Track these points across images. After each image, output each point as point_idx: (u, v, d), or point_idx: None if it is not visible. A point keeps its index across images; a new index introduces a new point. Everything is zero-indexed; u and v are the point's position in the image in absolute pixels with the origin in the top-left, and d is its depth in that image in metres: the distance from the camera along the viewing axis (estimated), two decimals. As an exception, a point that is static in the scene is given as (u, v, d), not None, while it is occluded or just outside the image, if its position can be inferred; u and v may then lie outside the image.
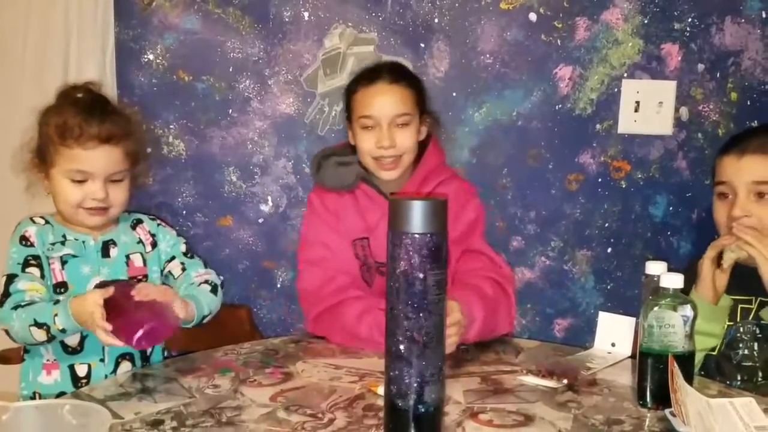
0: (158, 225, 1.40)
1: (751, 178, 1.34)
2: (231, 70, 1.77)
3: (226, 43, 1.77)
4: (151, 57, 1.78)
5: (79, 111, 1.25)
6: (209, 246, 1.83)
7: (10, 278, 1.22)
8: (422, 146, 1.48)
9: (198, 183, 1.81)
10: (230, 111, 1.79)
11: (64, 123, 1.23)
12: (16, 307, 1.18)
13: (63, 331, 1.15)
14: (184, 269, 1.36)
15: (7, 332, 1.20)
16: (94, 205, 1.25)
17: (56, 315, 1.14)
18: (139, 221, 1.38)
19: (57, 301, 1.17)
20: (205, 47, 1.77)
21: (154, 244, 1.37)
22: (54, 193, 1.27)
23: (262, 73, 1.78)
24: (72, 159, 1.23)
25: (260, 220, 1.82)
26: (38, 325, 1.15)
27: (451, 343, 1.20)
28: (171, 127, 1.79)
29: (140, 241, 1.36)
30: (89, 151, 1.23)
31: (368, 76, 1.44)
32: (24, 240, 1.25)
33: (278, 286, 1.84)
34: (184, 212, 1.82)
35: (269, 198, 1.81)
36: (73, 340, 1.26)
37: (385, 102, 1.41)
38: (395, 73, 1.44)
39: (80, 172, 1.24)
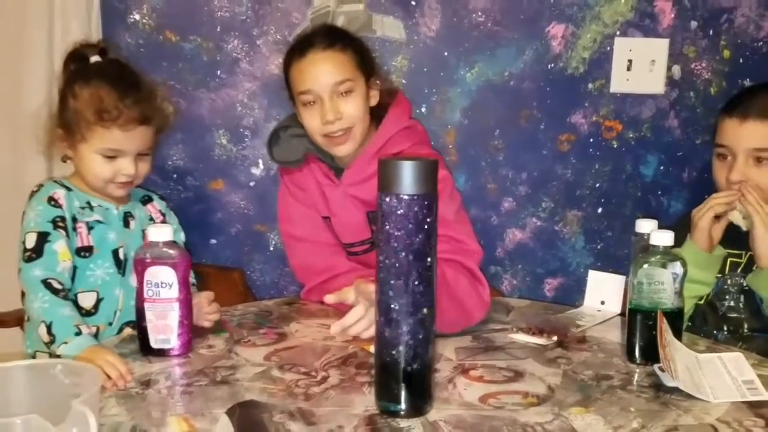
0: (167, 206, 1.42)
1: (751, 144, 1.33)
2: (218, 29, 1.74)
3: (212, 1, 1.73)
4: (137, 17, 1.74)
5: (113, 87, 1.23)
6: (201, 209, 1.82)
7: (43, 235, 1.18)
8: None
9: (188, 146, 1.79)
10: (218, 72, 1.76)
11: (101, 101, 1.21)
12: (46, 284, 1.13)
13: (58, 356, 1.06)
14: None
15: (23, 294, 1.17)
16: (124, 179, 1.26)
17: (66, 343, 1.06)
18: (150, 198, 1.40)
19: (79, 332, 1.07)
20: (192, 6, 1.73)
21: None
22: (82, 166, 1.26)
23: (250, 32, 1.74)
24: (108, 139, 1.23)
25: (251, 183, 1.81)
26: (49, 331, 1.09)
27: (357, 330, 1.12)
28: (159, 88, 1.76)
29: (151, 219, 1.37)
30: (127, 132, 1.23)
31: (299, 47, 1.32)
32: (52, 201, 1.23)
33: (271, 248, 1.84)
34: (175, 176, 1.80)
35: (260, 161, 1.80)
36: (88, 303, 1.26)
37: (320, 71, 1.28)
38: (328, 38, 1.31)
39: (114, 150, 1.24)
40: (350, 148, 1.34)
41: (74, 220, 1.24)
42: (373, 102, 1.37)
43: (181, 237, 1.38)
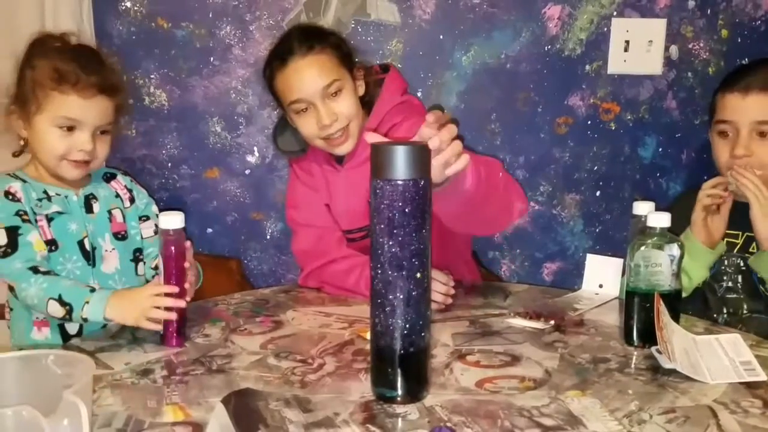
0: (131, 181, 1.38)
1: (755, 117, 1.32)
2: (211, 15, 1.72)
3: (204, -13, 1.72)
4: (128, 4, 1.72)
5: (72, 57, 1.20)
6: (197, 198, 1.81)
7: (13, 230, 1.16)
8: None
9: (182, 134, 1.78)
10: (212, 59, 1.74)
11: (57, 68, 1.18)
12: (34, 269, 1.12)
13: (85, 320, 1.09)
14: (156, 232, 1.32)
15: (11, 288, 1.16)
16: (80, 157, 1.21)
17: (87, 302, 1.07)
18: (113, 175, 1.36)
19: (93, 289, 1.09)
20: (184, -8, 1.72)
21: (132, 200, 1.35)
22: (35, 141, 1.22)
23: (243, 18, 1.73)
24: (64, 105, 1.18)
25: (247, 171, 1.80)
26: (62, 303, 1.08)
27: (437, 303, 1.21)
28: (152, 76, 1.75)
29: (117, 196, 1.34)
30: (86, 99, 1.19)
31: (278, 56, 1.31)
32: (9, 195, 1.20)
33: (267, 237, 1.83)
34: (170, 164, 1.79)
35: (255, 148, 1.79)
36: None
37: (306, 78, 1.28)
38: (306, 41, 1.30)
39: (70, 120, 1.19)
40: (350, 146, 1.35)
41: (33, 213, 1.21)
42: (361, 92, 1.38)
43: (153, 209, 1.36)
